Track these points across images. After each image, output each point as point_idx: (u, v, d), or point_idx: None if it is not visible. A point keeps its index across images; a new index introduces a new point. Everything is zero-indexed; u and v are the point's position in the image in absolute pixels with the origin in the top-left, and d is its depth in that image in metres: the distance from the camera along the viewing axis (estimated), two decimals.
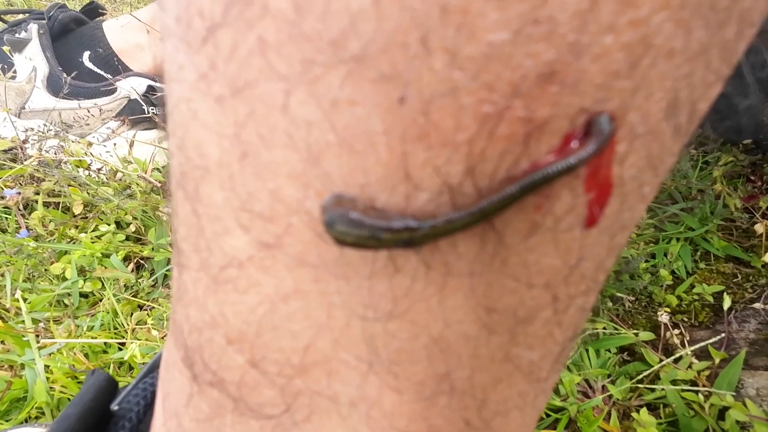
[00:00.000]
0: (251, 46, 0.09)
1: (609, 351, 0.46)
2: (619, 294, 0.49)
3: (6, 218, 0.60)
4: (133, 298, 0.50)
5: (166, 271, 0.53)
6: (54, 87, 0.65)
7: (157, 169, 0.64)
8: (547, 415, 0.40)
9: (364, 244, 0.09)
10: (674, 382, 0.42)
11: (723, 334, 0.45)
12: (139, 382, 0.22)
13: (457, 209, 0.09)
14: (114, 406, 0.20)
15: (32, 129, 0.60)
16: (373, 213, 0.09)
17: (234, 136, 0.10)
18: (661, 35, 0.09)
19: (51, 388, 0.43)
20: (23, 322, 0.48)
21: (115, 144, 0.63)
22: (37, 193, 0.58)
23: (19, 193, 0.57)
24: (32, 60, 0.63)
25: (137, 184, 0.59)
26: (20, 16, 0.70)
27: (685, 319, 0.49)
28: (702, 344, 0.43)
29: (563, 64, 0.08)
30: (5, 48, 0.62)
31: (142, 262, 0.56)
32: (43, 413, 0.43)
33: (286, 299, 0.11)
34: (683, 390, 0.41)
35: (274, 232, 0.11)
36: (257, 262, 0.11)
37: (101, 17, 0.73)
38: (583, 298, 0.12)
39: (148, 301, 0.51)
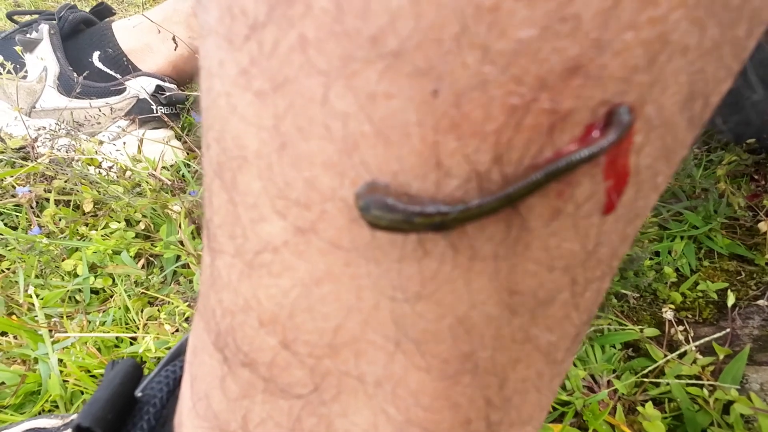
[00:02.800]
0: (292, 43, 0.10)
1: (614, 347, 0.47)
2: (623, 291, 0.50)
3: (17, 215, 0.61)
4: (145, 293, 0.51)
5: (176, 268, 0.54)
6: (65, 86, 0.65)
7: (166, 167, 0.65)
8: (554, 409, 0.41)
9: (398, 228, 0.10)
10: (679, 377, 0.43)
11: (727, 330, 0.46)
12: (161, 370, 0.22)
13: (485, 195, 0.10)
14: (138, 393, 0.21)
15: (44, 128, 0.61)
16: (405, 199, 0.10)
17: (273, 128, 0.11)
18: (677, 32, 0.09)
19: (64, 381, 0.44)
20: (36, 317, 0.49)
21: (125, 143, 0.64)
22: (49, 191, 0.59)
23: (31, 191, 0.58)
24: (43, 60, 0.64)
25: (147, 182, 0.60)
26: (31, 17, 0.70)
27: (690, 316, 0.49)
28: (706, 339, 0.44)
29: (587, 59, 0.09)
30: (17, 48, 0.63)
31: (151, 259, 0.57)
32: (57, 406, 0.43)
33: (319, 282, 0.12)
34: (688, 384, 0.41)
35: (309, 218, 0.11)
36: (292, 246, 0.12)
37: (111, 18, 0.74)
38: (599, 283, 0.13)
39: (158, 297, 0.51)
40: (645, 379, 0.43)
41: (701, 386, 0.41)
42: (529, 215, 0.10)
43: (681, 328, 0.46)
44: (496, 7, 0.08)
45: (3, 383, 0.44)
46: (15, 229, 0.59)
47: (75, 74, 0.65)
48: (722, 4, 0.09)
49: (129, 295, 0.51)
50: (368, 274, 0.11)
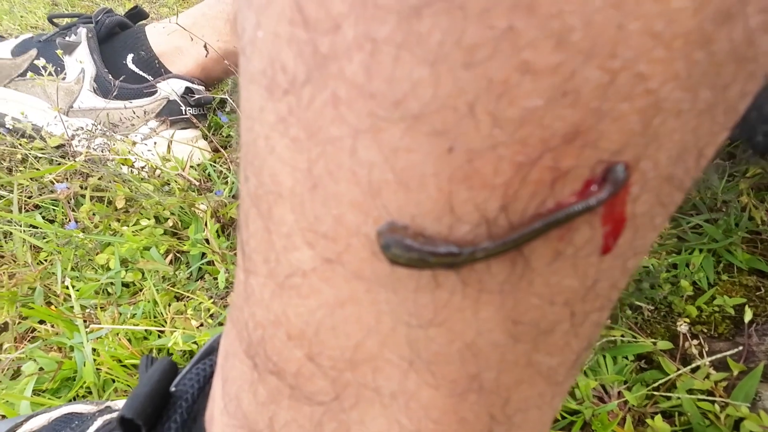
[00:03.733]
0: (326, 100, 0.11)
1: (626, 358, 0.47)
2: (638, 303, 0.50)
3: (54, 209, 0.64)
4: (171, 288, 0.54)
5: (201, 264, 0.57)
6: (101, 88, 0.69)
7: (193, 167, 0.68)
8: (563, 417, 0.41)
9: (414, 265, 0.11)
10: (690, 392, 0.43)
11: (742, 347, 0.46)
12: (192, 367, 0.24)
13: (493, 239, 0.11)
14: (172, 388, 0.23)
15: (81, 128, 0.64)
16: (421, 239, 0.11)
17: (306, 170, 0.12)
18: (670, 100, 0.10)
19: (97, 369, 0.47)
20: (72, 308, 0.52)
21: (155, 143, 0.67)
22: (85, 188, 0.63)
23: (69, 187, 0.62)
24: (82, 63, 0.68)
25: (176, 182, 0.63)
26: (70, 20, 0.74)
27: (705, 330, 0.49)
28: (720, 356, 0.44)
29: (586, 126, 0.10)
30: (58, 51, 0.66)
31: (178, 255, 0.60)
32: (90, 392, 0.46)
33: (342, 305, 0.13)
34: (699, 399, 0.42)
35: (335, 250, 0.13)
36: (319, 273, 0.13)
37: (144, 21, 0.77)
38: (598, 314, 0.14)
39: (185, 292, 0.54)
40: (656, 392, 0.43)
41: (713, 401, 0.41)
42: (532, 256, 0.12)
43: (695, 342, 0.46)
44: (505, 80, 0.10)
45: (42, 369, 0.47)
46: (52, 222, 0.63)
47: (110, 76, 0.68)
48: (714, 73, 0.10)
49: (157, 290, 0.54)
50: (387, 300, 0.13)
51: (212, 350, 0.24)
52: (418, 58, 0.10)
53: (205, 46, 0.63)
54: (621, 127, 0.10)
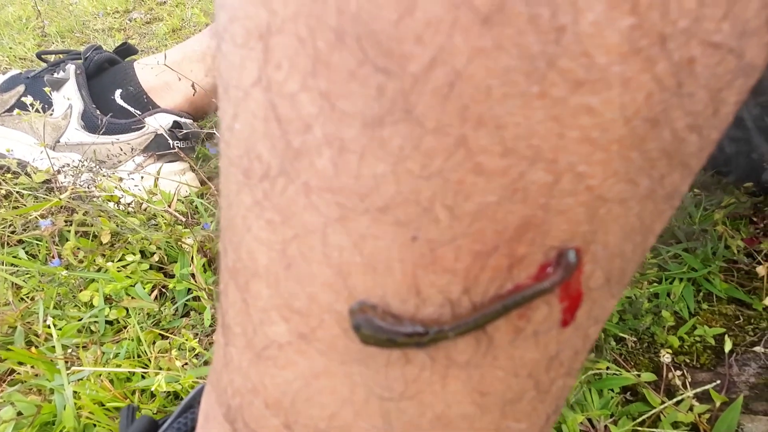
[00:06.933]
0: (298, 189, 0.12)
1: (612, 390, 0.47)
2: (622, 334, 0.51)
3: (38, 244, 0.63)
4: (155, 328, 0.53)
5: (186, 300, 0.56)
6: (88, 123, 0.69)
7: (181, 200, 0.68)
8: None
9: (384, 345, 0.12)
10: (675, 425, 0.43)
11: (724, 377, 0.46)
12: (174, 422, 0.24)
13: (457, 319, 0.12)
14: None
15: (68, 164, 0.64)
16: (390, 318, 0.12)
17: (281, 250, 0.13)
18: (612, 191, 0.11)
19: (79, 413, 0.45)
20: (53, 348, 0.51)
21: (142, 177, 0.67)
22: (69, 223, 0.62)
23: (53, 223, 0.61)
24: (69, 99, 0.68)
25: (162, 216, 0.63)
26: (58, 57, 0.75)
27: (687, 360, 0.50)
28: (703, 388, 0.44)
29: (536, 219, 0.11)
30: (46, 89, 0.67)
31: (164, 290, 0.59)
32: None
33: (317, 377, 0.14)
34: None
35: (309, 325, 0.13)
36: (294, 346, 0.14)
37: (133, 57, 0.78)
38: (564, 379, 0.14)
39: (170, 329, 0.53)
40: (640, 428, 0.43)
41: None
42: (495, 334, 0.12)
43: (678, 373, 0.47)
44: (461, 180, 0.11)
45: (20, 413, 0.46)
46: (36, 257, 0.62)
47: (98, 112, 0.69)
48: (650, 167, 0.11)
49: (142, 328, 0.53)
50: (359, 373, 0.13)
51: (193, 403, 0.24)
52: (381, 159, 0.11)
53: (192, 85, 0.64)
54: (568, 218, 0.11)
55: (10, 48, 1.22)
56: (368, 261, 0.12)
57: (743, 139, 0.56)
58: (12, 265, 0.59)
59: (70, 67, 0.71)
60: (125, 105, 0.72)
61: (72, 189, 0.62)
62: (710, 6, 0.09)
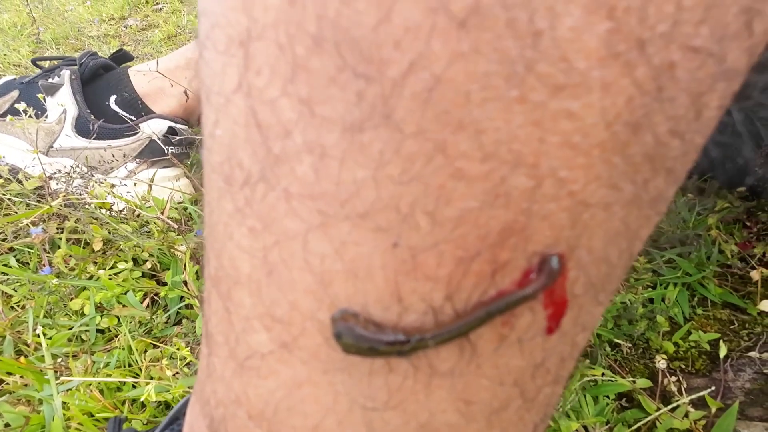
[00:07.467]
0: (279, 195, 0.12)
1: (607, 397, 0.47)
2: (617, 340, 0.50)
3: (29, 252, 0.63)
4: (146, 337, 0.53)
5: (179, 309, 0.56)
6: (81, 128, 0.69)
7: (174, 207, 0.68)
8: None
9: (366, 354, 0.12)
10: (671, 431, 0.43)
11: (719, 383, 0.46)
12: None
13: (439, 327, 0.12)
14: None
15: (59, 171, 0.64)
16: (372, 326, 0.12)
17: (262, 257, 0.13)
18: (595, 197, 0.11)
19: (67, 424, 0.45)
20: (43, 357, 0.50)
21: (135, 183, 0.67)
22: (61, 230, 0.62)
23: (45, 230, 0.61)
24: (63, 105, 0.68)
25: (155, 223, 0.62)
26: (53, 63, 0.75)
27: (683, 366, 0.50)
28: (698, 394, 0.44)
29: (519, 224, 0.11)
30: (40, 96, 0.67)
31: (156, 298, 0.59)
32: None
33: (300, 386, 0.14)
34: None
35: (291, 333, 0.13)
36: (276, 355, 0.13)
37: (128, 63, 0.78)
38: (551, 387, 0.14)
39: (161, 338, 0.53)
40: None
41: None
42: (479, 341, 0.12)
43: (674, 378, 0.46)
44: (441, 185, 0.10)
45: (8, 425, 0.45)
46: (26, 265, 0.61)
47: (92, 117, 0.69)
48: (633, 171, 0.11)
49: (133, 336, 0.52)
50: (342, 382, 0.13)
51: (178, 416, 0.23)
52: (361, 165, 0.11)
53: (185, 92, 0.64)
54: (551, 223, 0.11)
55: (5, 55, 1.22)
56: (349, 268, 0.12)
57: (728, 143, 0.57)
58: (2, 273, 0.59)
59: (65, 73, 0.71)
60: (119, 110, 0.72)
61: (64, 196, 0.61)
62: (688, 10, 0.09)
